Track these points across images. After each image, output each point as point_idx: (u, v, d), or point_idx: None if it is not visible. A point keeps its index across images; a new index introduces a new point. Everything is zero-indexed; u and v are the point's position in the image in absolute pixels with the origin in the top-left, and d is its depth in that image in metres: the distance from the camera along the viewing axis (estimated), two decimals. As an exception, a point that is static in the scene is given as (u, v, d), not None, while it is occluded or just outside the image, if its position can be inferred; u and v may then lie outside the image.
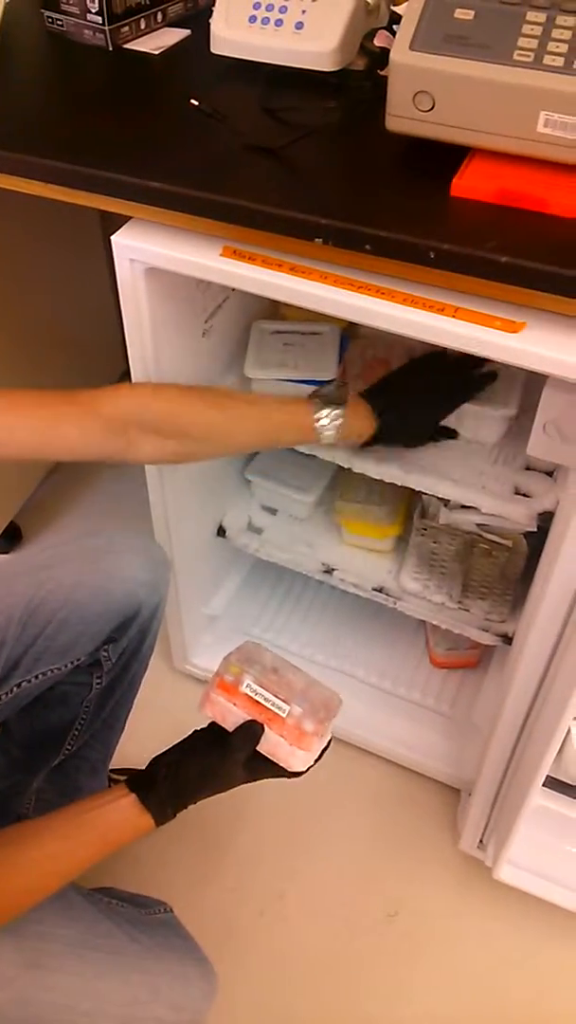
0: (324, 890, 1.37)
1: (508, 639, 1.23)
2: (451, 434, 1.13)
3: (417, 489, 1.13)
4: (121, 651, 1.14)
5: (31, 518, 1.89)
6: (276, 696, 0.91)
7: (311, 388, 1.16)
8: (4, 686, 1.05)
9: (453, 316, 0.81)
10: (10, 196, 0.97)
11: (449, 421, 1.12)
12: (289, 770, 0.92)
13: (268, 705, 0.90)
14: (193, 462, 1.09)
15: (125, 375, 2.08)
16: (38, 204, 0.98)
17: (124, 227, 0.95)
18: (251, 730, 0.90)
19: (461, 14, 0.83)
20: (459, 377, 1.09)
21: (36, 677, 1.05)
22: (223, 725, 0.92)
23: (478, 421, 1.13)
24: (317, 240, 0.83)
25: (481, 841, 1.33)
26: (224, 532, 1.43)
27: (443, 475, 1.12)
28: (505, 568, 1.24)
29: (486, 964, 1.30)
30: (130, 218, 0.95)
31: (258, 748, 0.91)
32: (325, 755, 0.95)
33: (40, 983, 0.89)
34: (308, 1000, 1.27)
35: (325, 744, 0.94)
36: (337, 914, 1.35)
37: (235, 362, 1.25)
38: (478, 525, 1.17)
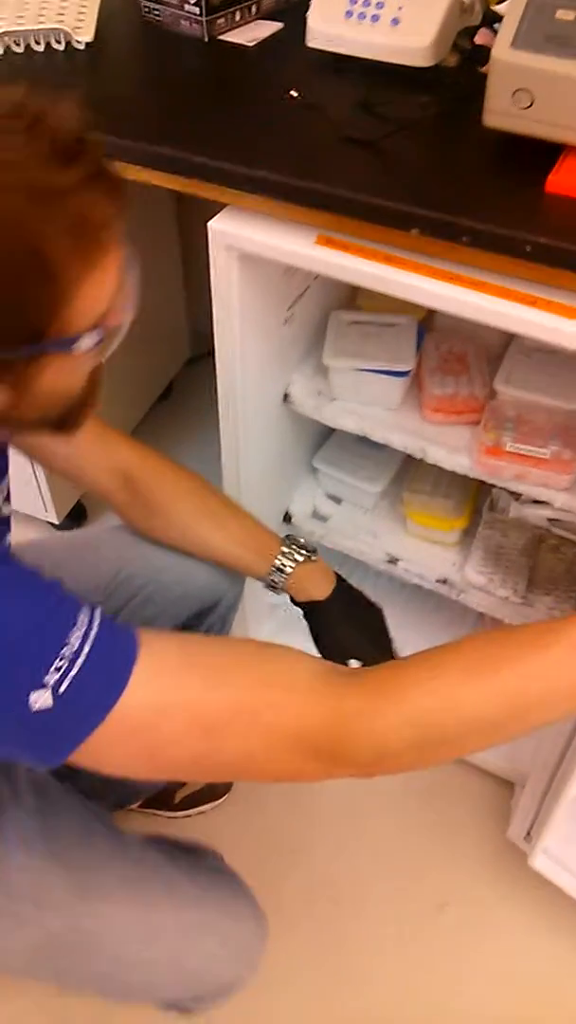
0: (376, 880, 1.39)
1: (572, 635, 1.23)
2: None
3: (489, 482, 1.15)
4: None
5: (97, 498, 1.92)
6: None
7: (388, 378, 1.19)
8: None
9: (546, 310, 0.83)
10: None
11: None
12: None
13: None
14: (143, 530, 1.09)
15: (191, 361, 2.11)
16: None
17: (220, 214, 0.97)
18: None
19: (562, 15, 0.84)
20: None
21: None
22: None
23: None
24: (413, 230, 0.84)
25: (528, 834, 1.34)
26: (290, 519, 1.45)
27: (517, 469, 1.13)
28: (572, 565, 1.25)
29: (533, 958, 1.31)
30: (215, 206, 0.97)
31: None
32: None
33: (92, 911, 0.91)
34: (360, 990, 1.29)
35: None
36: (389, 904, 1.37)
37: (312, 351, 1.28)
38: (549, 520, 1.18)
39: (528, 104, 0.86)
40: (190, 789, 1.43)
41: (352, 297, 1.35)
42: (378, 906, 1.37)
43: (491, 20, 1.03)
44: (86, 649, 0.62)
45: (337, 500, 1.47)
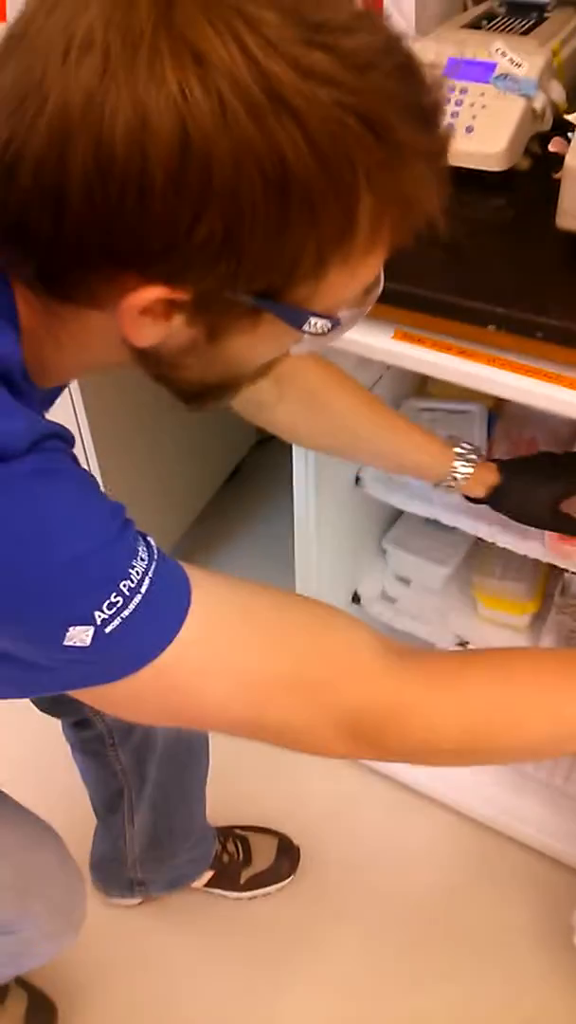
0: (443, 957, 1.37)
1: None
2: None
3: (562, 567, 1.16)
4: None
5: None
6: None
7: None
8: None
9: (619, 401, 0.86)
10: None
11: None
12: None
13: None
14: (323, 448, 1.07)
15: (259, 443, 2.15)
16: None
17: (302, 310, 1.02)
18: None
19: None
20: None
21: None
22: None
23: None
24: (490, 327, 0.88)
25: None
26: (359, 599, 1.47)
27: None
28: None
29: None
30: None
31: None
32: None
33: None
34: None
35: None
36: (454, 982, 1.34)
37: (384, 436, 1.32)
38: (622, 606, 1.18)
39: (600, 208, 0.90)
40: (255, 870, 1.42)
41: (423, 384, 1.39)
42: (445, 984, 1.34)
43: (562, 126, 1.08)
44: (144, 587, 0.51)
45: (406, 581, 1.48)
